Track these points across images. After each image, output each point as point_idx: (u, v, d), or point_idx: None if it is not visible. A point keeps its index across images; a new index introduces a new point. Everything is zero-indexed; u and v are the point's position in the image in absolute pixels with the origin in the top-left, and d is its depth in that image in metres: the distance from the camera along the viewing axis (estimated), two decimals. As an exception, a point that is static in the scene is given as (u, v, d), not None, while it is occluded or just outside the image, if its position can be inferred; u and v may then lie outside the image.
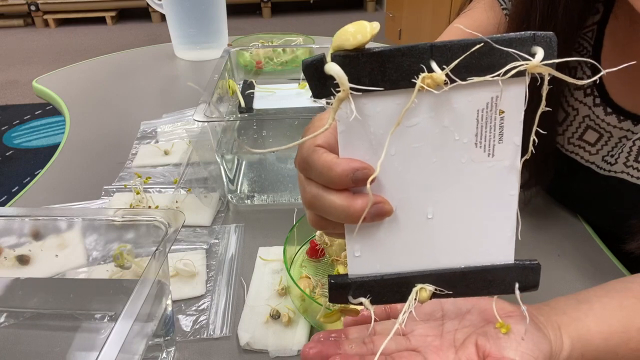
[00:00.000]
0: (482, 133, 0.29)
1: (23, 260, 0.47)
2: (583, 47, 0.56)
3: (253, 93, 0.86)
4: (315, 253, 0.56)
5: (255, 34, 1.17)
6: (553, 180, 0.62)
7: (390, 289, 0.33)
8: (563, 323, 0.36)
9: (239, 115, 0.79)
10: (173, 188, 0.72)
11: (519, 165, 0.30)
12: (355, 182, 0.29)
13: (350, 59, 0.27)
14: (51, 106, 1.08)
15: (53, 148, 1.60)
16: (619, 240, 0.53)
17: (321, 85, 0.28)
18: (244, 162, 0.71)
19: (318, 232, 0.55)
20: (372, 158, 0.29)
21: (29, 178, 2.11)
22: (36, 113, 2.66)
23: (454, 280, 0.33)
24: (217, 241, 0.62)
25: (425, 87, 0.27)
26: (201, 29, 1.19)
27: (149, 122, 0.91)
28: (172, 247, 0.41)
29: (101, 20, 4.12)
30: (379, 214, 0.30)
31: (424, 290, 0.32)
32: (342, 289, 0.33)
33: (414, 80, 0.27)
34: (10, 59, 3.46)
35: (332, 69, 0.27)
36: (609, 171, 0.57)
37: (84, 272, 0.48)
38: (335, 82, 0.27)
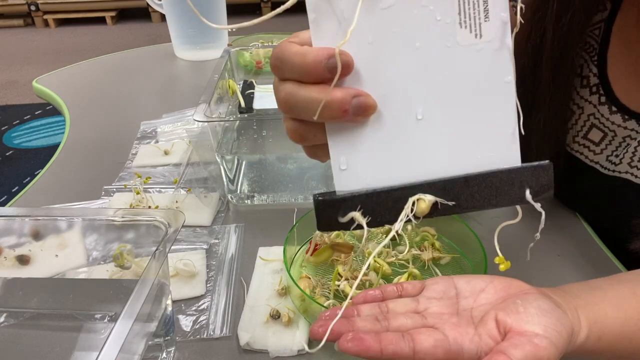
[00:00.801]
0: (466, 11, 0.27)
1: (23, 260, 0.47)
2: (589, 44, 0.56)
3: (253, 93, 0.86)
4: (315, 253, 0.56)
5: (255, 34, 1.17)
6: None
7: (385, 206, 0.30)
8: (580, 306, 0.35)
9: (239, 115, 0.79)
10: (173, 188, 0.72)
11: (510, 44, 0.27)
12: (330, 70, 0.27)
13: None
14: (51, 106, 1.08)
15: (53, 148, 1.60)
16: (619, 240, 0.53)
17: None
18: (244, 162, 0.71)
19: (318, 232, 0.55)
20: (346, 46, 0.27)
21: (29, 178, 2.11)
22: (36, 113, 2.65)
23: (456, 191, 0.29)
24: (217, 241, 0.62)
25: None
26: (201, 29, 1.19)
27: (149, 122, 0.91)
28: (172, 247, 0.41)
29: (101, 20, 4.12)
30: (361, 107, 0.28)
31: (423, 200, 0.29)
32: (330, 209, 0.30)
33: None
34: (10, 59, 3.46)
35: None
36: (613, 171, 0.56)
37: (84, 272, 0.48)
38: None
